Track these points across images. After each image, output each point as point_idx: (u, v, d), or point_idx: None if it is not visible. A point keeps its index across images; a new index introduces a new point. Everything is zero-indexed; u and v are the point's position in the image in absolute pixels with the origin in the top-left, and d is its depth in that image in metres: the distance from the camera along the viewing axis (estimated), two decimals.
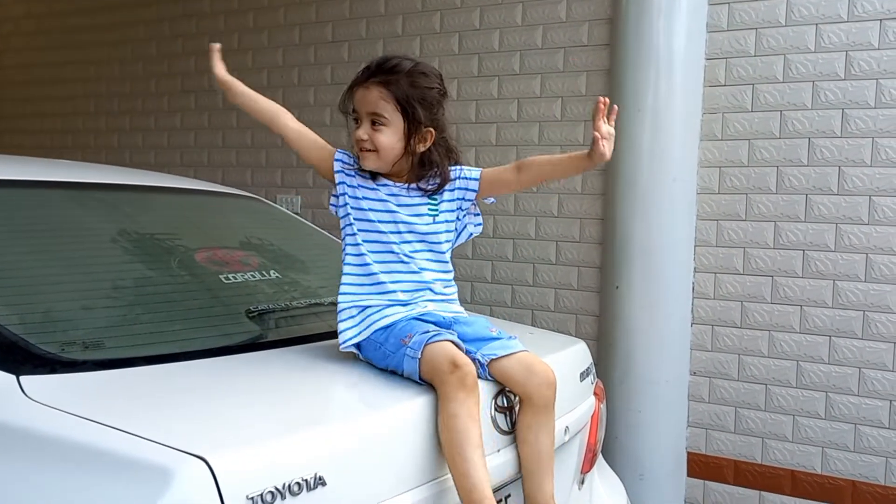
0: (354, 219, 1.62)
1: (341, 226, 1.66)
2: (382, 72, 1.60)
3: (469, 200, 1.70)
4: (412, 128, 1.59)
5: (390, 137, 1.59)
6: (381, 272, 1.59)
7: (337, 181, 1.66)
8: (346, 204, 1.64)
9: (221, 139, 4.57)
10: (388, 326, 1.53)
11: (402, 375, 1.47)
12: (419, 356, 1.43)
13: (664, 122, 3.14)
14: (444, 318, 1.58)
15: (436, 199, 1.66)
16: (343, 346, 1.56)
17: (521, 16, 3.62)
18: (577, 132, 3.48)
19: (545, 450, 1.54)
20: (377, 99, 1.58)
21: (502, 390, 1.54)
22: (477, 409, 1.40)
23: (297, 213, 3.81)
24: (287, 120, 1.71)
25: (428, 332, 1.48)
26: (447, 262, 1.68)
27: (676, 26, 3.13)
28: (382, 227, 1.61)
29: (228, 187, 2.75)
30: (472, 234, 1.75)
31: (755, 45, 3.12)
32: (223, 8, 4.54)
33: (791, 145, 3.06)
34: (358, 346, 1.57)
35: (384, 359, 1.51)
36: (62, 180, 1.90)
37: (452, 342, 1.47)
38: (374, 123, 1.59)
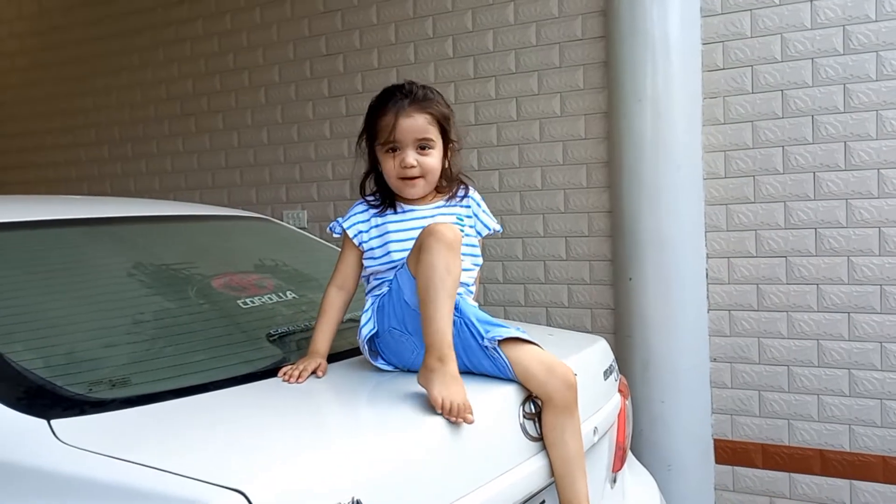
0: (383, 258, 1.66)
1: (368, 272, 1.70)
2: (418, 99, 1.66)
3: (473, 240, 1.75)
4: (447, 145, 1.69)
5: (436, 159, 1.67)
6: None
7: (365, 248, 1.69)
8: (368, 241, 1.68)
9: (224, 159, 4.58)
10: (389, 283, 1.62)
11: (412, 317, 1.51)
12: (405, 262, 1.53)
13: (665, 109, 3.13)
14: None
15: (461, 218, 1.72)
16: (362, 339, 1.60)
17: (514, 15, 3.61)
18: (578, 127, 3.47)
19: (574, 451, 1.54)
20: (426, 124, 1.65)
21: (529, 396, 1.54)
22: (457, 266, 1.46)
23: (303, 229, 3.81)
24: (344, 296, 1.71)
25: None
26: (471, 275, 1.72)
27: (670, 13, 3.12)
28: (400, 244, 1.65)
29: (236, 209, 2.76)
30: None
31: (751, 26, 3.10)
32: (216, 29, 4.55)
33: (795, 124, 3.05)
34: (376, 351, 1.60)
35: (392, 313, 1.55)
36: (74, 217, 1.91)
37: None
38: (421, 148, 1.65)
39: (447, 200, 1.72)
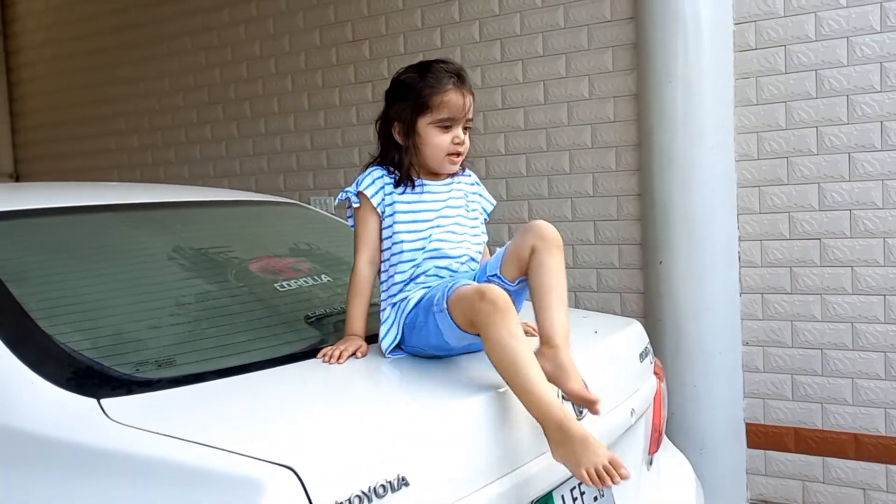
0: (397, 227, 1.66)
1: (384, 236, 1.69)
2: (466, 79, 1.69)
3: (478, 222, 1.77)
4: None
5: (469, 139, 1.71)
6: (423, 268, 1.64)
7: (385, 213, 1.67)
8: (391, 214, 1.67)
9: (252, 147, 4.61)
10: (415, 306, 1.58)
11: (447, 347, 1.51)
12: (446, 306, 1.48)
13: (696, 90, 3.10)
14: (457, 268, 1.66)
15: (467, 195, 1.75)
16: (388, 352, 1.59)
17: None
18: (607, 109, 3.45)
19: (558, 283, 1.51)
20: (472, 104, 1.69)
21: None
22: (517, 327, 1.40)
23: (332, 214, 3.83)
24: (375, 271, 1.69)
25: (446, 284, 1.54)
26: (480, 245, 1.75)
27: None
28: (425, 225, 1.66)
29: (266, 195, 2.78)
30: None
31: (784, 5, 3.05)
32: (242, 17, 4.57)
33: (829, 104, 3.00)
34: (401, 345, 1.61)
35: (426, 338, 1.54)
36: (116, 203, 1.94)
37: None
38: (465, 129, 1.69)
39: (451, 176, 1.74)
